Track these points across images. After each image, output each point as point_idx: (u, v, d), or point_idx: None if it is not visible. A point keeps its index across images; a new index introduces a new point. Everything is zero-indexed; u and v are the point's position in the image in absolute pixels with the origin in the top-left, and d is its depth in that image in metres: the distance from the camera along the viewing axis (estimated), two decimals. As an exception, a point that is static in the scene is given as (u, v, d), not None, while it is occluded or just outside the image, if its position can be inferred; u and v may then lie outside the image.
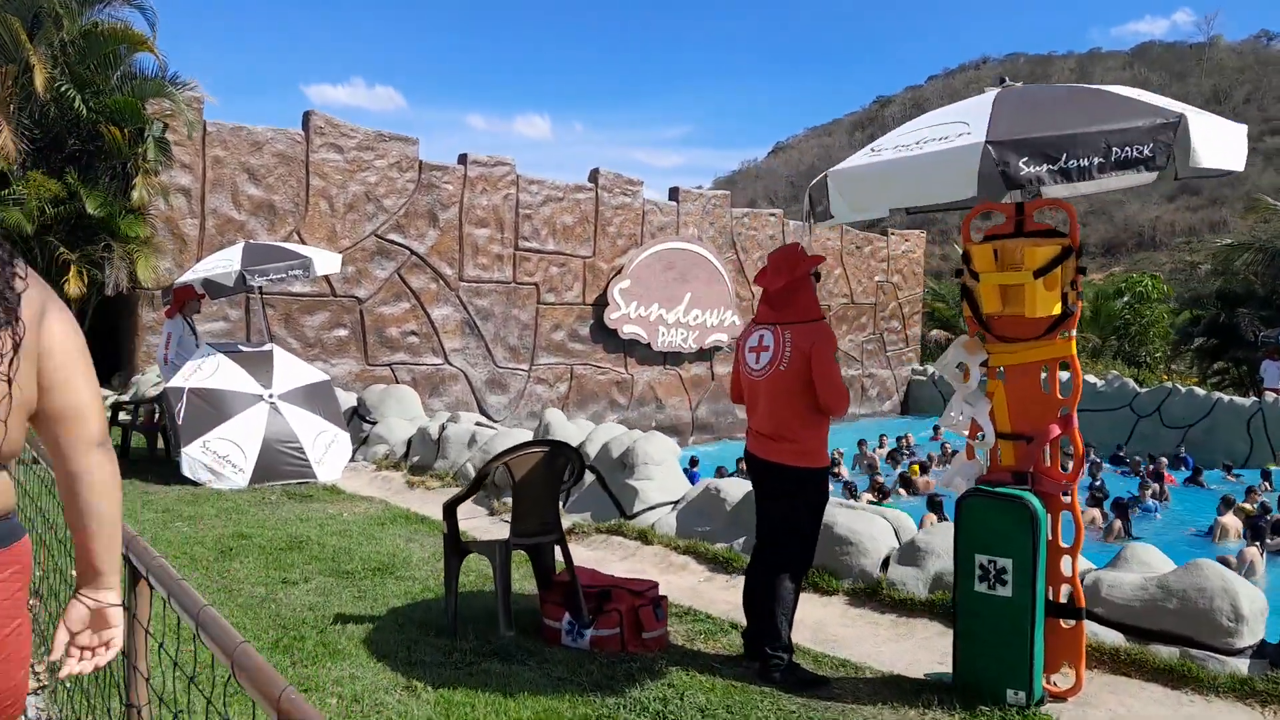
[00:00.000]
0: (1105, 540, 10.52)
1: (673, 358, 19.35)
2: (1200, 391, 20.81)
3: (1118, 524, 10.96)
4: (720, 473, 13.56)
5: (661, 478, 6.33)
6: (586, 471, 5.85)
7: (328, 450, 8.32)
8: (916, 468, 16.01)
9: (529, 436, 7.77)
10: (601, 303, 18.01)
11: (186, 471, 7.71)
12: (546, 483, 4.41)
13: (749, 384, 4.23)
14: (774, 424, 4.09)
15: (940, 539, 4.79)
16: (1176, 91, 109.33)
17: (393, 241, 15.25)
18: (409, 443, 8.53)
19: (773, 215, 21.26)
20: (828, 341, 4.05)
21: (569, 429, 6.96)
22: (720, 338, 19.76)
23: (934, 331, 27.95)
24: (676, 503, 6.20)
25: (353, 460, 8.71)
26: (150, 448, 9.08)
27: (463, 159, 16.26)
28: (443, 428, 8.18)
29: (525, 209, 16.90)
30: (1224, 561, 8.04)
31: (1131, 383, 21.70)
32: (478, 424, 8.23)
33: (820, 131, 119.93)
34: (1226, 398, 20.23)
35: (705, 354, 19.81)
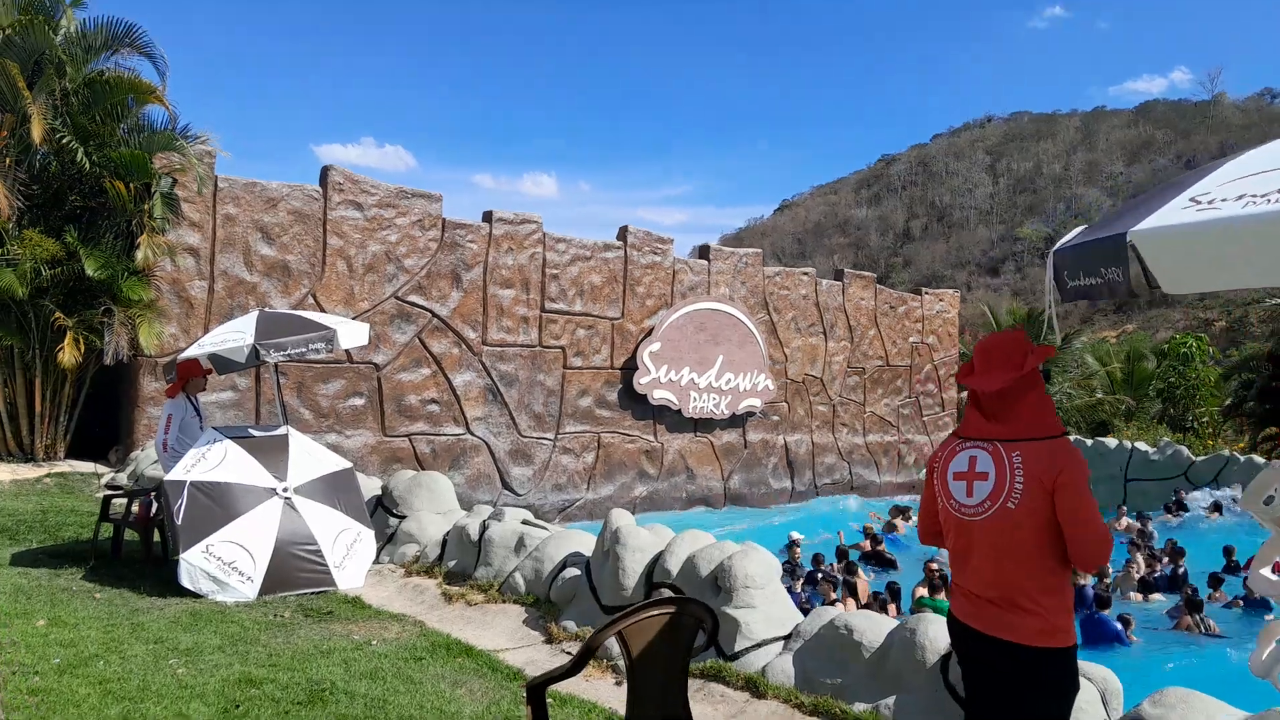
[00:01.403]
0: None
1: (704, 425, 18.24)
2: (1260, 459, 19.65)
3: None
4: (818, 561, 12.15)
5: (765, 605, 5.17)
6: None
7: (349, 551, 7.18)
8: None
9: (587, 539, 6.63)
10: (630, 366, 16.96)
11: (186, 581, 6.56)
12: (672, 656, 3.28)
13: (955, 525, 3.11)
14: (1000, 586, 2.96)
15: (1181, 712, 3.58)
16: (1183, 148, 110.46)
17: (413, 304, 14.25)
18: (444, 543, 7.37)
19: (805, 274, 20.29)
20: (1080, 467, 2.93)
21: (641, 536, 5.82)
22: (753, 402, 18.68)
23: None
24: (788, 638, 5.04)
25: (377, 561, 7.56)
26: (145, 544, 7.95)
27: (488, 216, 15.33)
28: (484, 526, 7.03)
29: (552, 268, 15.94)
30: None
31: (1186, 450, 20.56)
32: (524, 522, 7.08)
33: (826, 190, 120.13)
34: (1291, 467, 19.01)
35: (738, 420, 18.70)
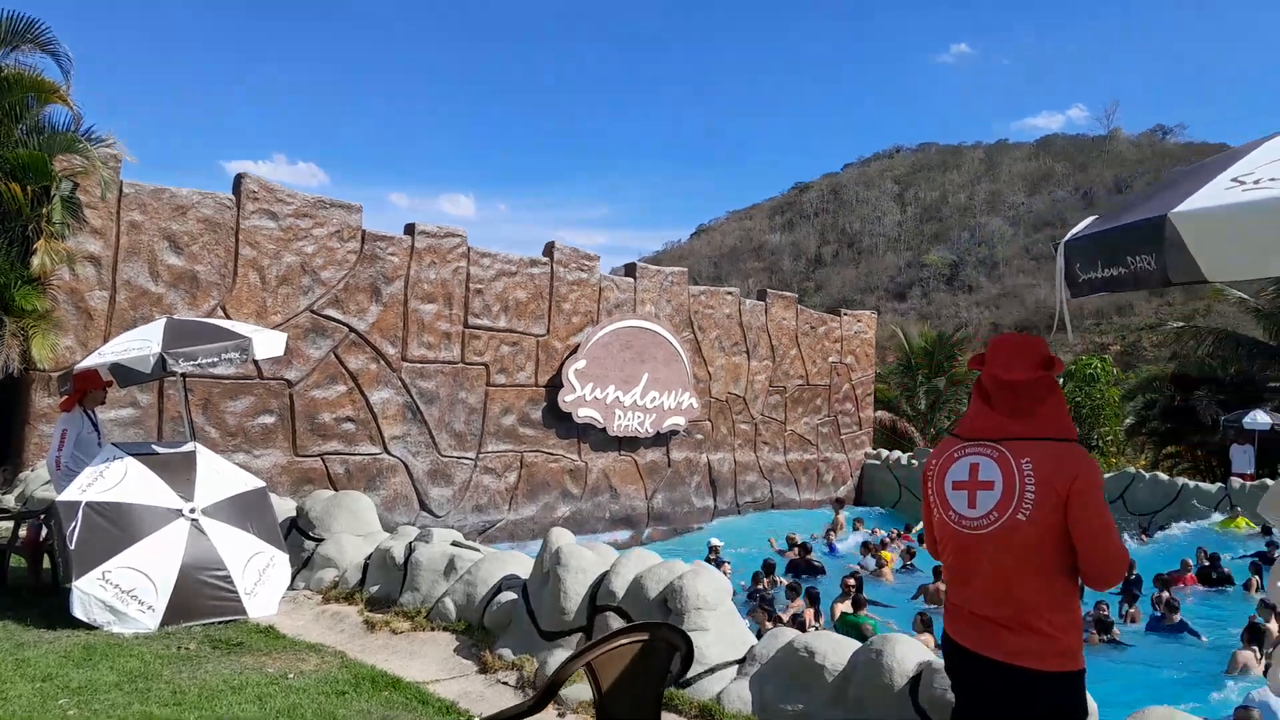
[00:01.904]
0: None
1: (629, 443, 17.97)
2: (1164, 477, 20.34)
3: None
4: (760, 578, 12.02)
5: (718, 627, 4.90)
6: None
7: (261, 577, 6.67)
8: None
9: (524, 561, 6.28)
10: (555, 384, 16.61)
11: (79, 612, 5.97)
12: (645, 686, 2.99)
13: (955, 539, 2.88)
14: (1010, 605, 2.73)
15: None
16: (1080, 181, 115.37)
17: (330, 317, 13.65)
18: (365, 567, 6.91)
19: (729, 294, 20.28)
20: (1095, 475, 2.72)
21: (584, 556, 5.50)
22: (678, 421, 18.51)
23: (878, 413, 27.28)
24: (742, 662, 4.78)
25: (292, 587, 7.05)
26: (33, 571, 7.28)
27: (410, 229, 14.85)
28: (410, 549, 6.61)
29: (476, 283, 15.52)
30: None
31: (1094, 468, 21.12)
32: (454, 544, 6.67)
33: (741, 215, 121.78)
34: (1192, 483, 19.78)
35: (663, 438, 18.50)
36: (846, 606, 11.14)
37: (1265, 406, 20.18)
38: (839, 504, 20.35)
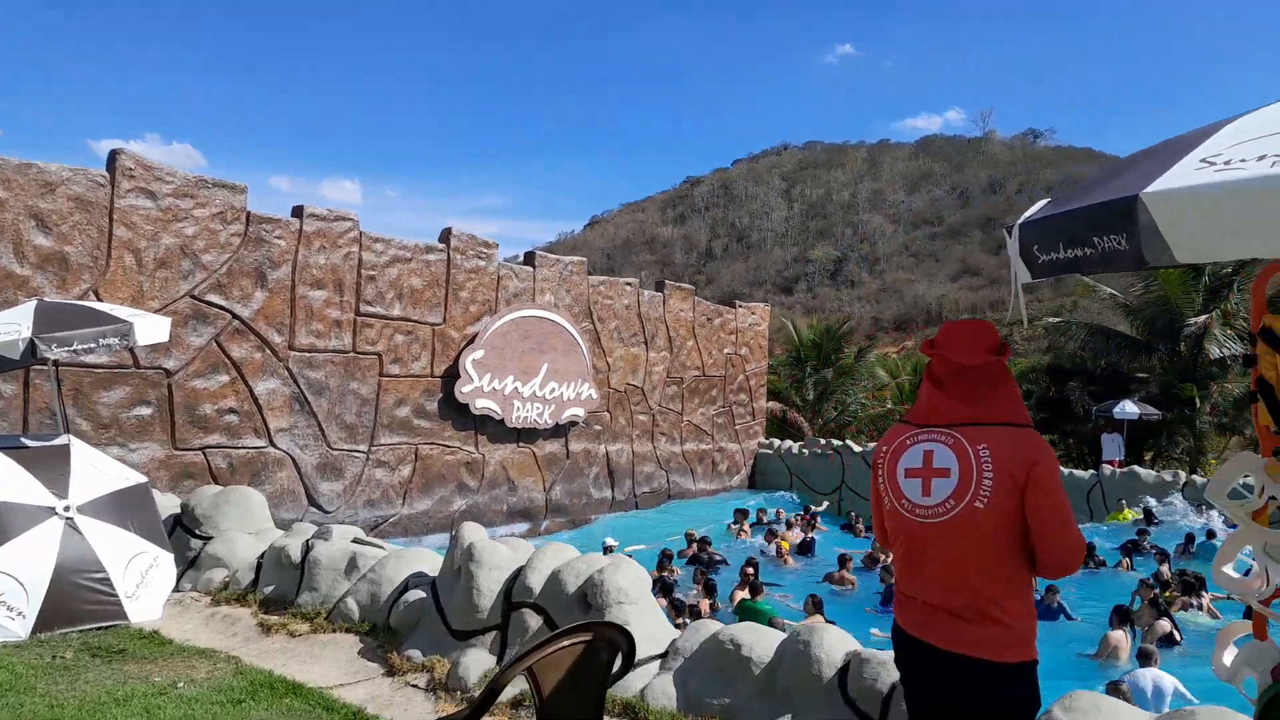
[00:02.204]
0: None
1: (527, 435, 17.72)
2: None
3: None
4: (664, 565, 12.07)
5: (640, 621, 4.79)
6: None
7: (144, 579, 6.23)
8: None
9: (431, 558, 6.03)
10: (452, 374, 16.21)
11: (-64, 622, 5.44)
12: (587, 689, 2.84)
13: (907, 527, 2.81)
14: (965, 594, 2.67)
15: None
16: (957, 181, 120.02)
17: (211, 303, 12.94)
18: (258, 566, 6.53)
19: (629, 284, 20.21)
20: (1053, 461, 2.69)
21: (498, 552, 5.30)
22: (577, 412, 18.36)
23: (769, 403, 27.76)
24: (664, 656, 4.68)
25: (177, 589, 6.62)
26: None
27: (298, 211, 14.21)
28: (308, 546, 6.27)
29: (369, 269, 14.98)
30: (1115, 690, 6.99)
31: (975, 457, 21.95)
32: (355, 541, 6.37)
33: (634, 208, 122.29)
34: (1066, 470, 20.70)
35: (561, 430, 18.32)
36: (746, 594, 11.25)
37: (1133, 397, 21.34)
38: (742, 515, 20.38)
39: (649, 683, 4.51)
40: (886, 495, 2.90)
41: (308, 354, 14.15)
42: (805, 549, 15.61)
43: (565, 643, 2.73)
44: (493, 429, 17.05)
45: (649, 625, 4.82)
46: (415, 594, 5.60)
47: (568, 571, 5.03)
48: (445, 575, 5.53)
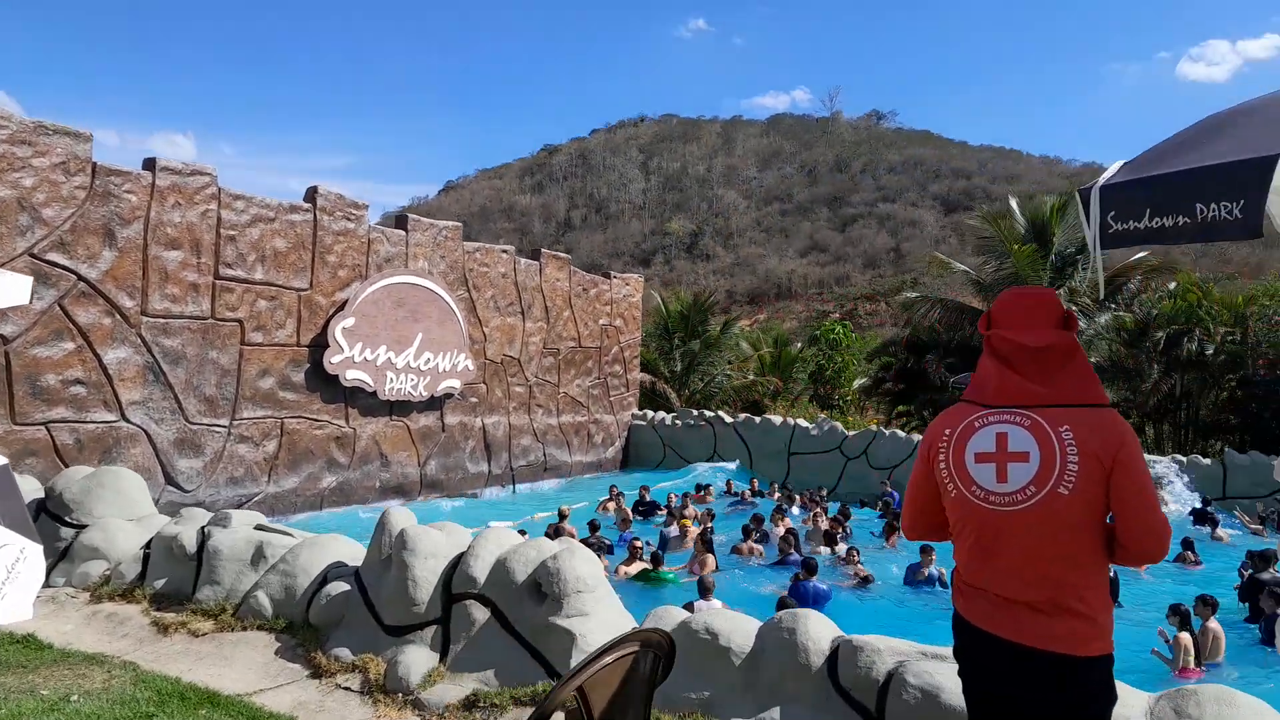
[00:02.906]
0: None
1: (400, 407, 16.97)
2: (902, 434, 22.06)
3: None
4: (557, 532, 11.79)
5: (599, 611, 4.49)
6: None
7: (10, 574, 5.44)
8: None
9: (349, 547, 5.52)
10: (320, 344, 15.28)
11: None
12: (636, 702, 2.52)
13: (978, 518, 2.59)
14: (1046, 587, 2.49)
15: None
16: (805, 159, 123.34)
17: (54, 263, 11.65)
18: (145, 557, 5.83)
19: (505, 252, 19.62)
20: (1137, 443, 2.52)
21: (433, 539, 4.86)
22: (453, 383, 17.71)
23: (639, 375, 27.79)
24: (627, 648, 4.40)
25: (48, 584, 5.85)
26: None
27: (150, 164, 12.97)
28: (205, 535, 5.63)
29: (229, 229, 13.87)
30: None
31: (840, 427, 22.59)
32: (260, 528, 5.76)
33: (491, 174, 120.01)
34: (924, 441, 21.54)
35: (436, 402, 17.64)
36: (632, 568, 11.12)
37: (986, 370, 22.41)
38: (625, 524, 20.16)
39: (617, 677, 4.23)
40: (950, 482, 2.67)
41: (162, 320, 13.00)
42: (830, 540, 14.38)
43: (614, 656, 2.42)
44: (364, 401, 16.24)
45: (609, 615, 4.52)
46: (337, 586, 5.09)
47: (515, 559, 4.66)
48: (371, 565, 5.06)
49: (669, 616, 4.42)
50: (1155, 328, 22.57)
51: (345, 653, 4.76)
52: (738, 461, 22.58)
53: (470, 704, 4.18)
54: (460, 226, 18.54)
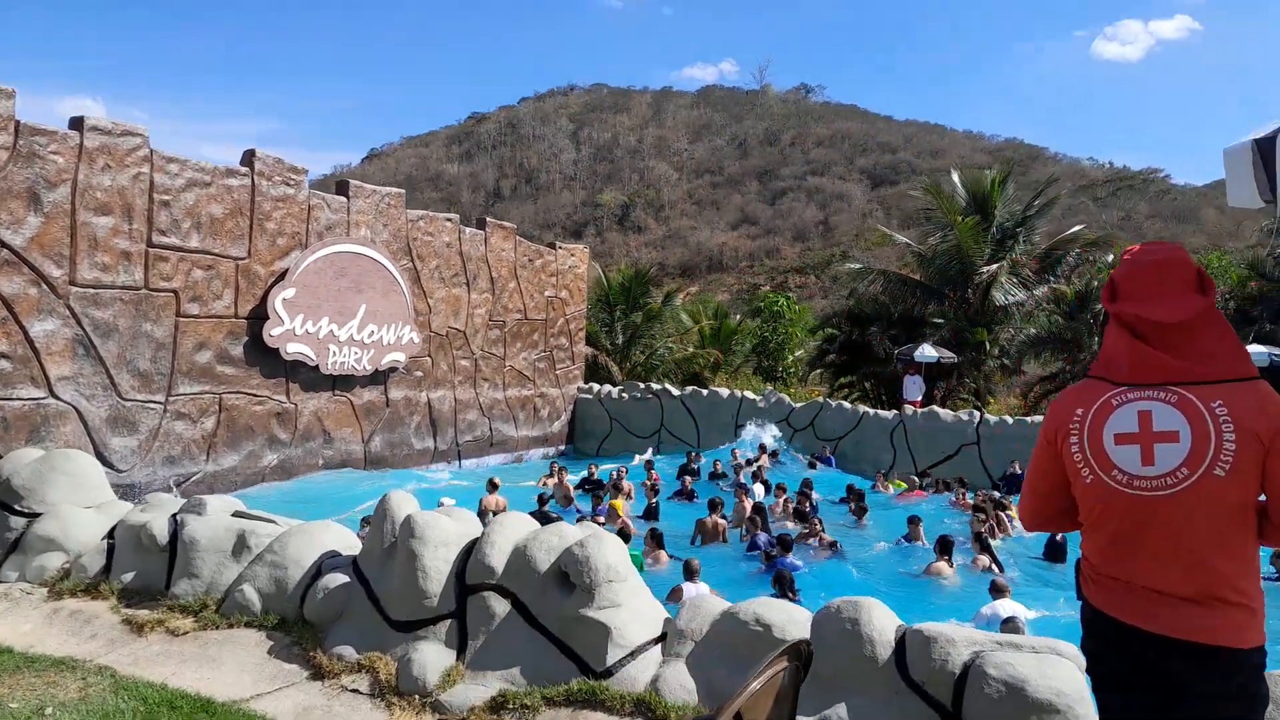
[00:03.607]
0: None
1: (343, 382, 16.33)
2: (847, 406, 22.16)
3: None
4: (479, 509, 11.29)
5: (632, 601, 4.18)
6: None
7: (-46, 572, 4.90)
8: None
9: (342, 535, 5.10)
10: (260, 315, 14.55)
11: None
12: (784, 713, 2.23)
13: (1120, 504, 2.36)
14: (1199, 576, 2.28)
15: None
16: (736, 132, 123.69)
17: (-28, 227, 10.77)
18: (110, 549, 5.31)
19: (449, 220, 19.00)
20: None
21: (443, 526, 4.47)
22: (397, 357, 17.11)
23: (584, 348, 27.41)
24: (662, 639, 4.10)
25: (-4, 581, 5.30)
26: None
27: (77, 124, 12.08)
28: (179, 523, 5.15)
29: (162, 194, 13.05)
30: None
31: (787, 398, 22.59)
32: (239, 515, 5.29)
33: (417, 142, 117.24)
34: (872, 411, 21.70)
35: (380, 377, 17.04)
36: (596, 522, 10.83)
37: (930, 340, 22.63)
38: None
39: (658, 672, 3.93)
40: (1085, 466, 2.43)
41: (92, 290, 12.18)
42: (801, 516, 13.98)
43: (772, 671, 2.13)
44: (306, 376, 15.56)
45: (642, 606, 4.21)
46: (335, 578, 4.67)
47: (537, 546, 4.31)
48: (371, 555, 4.65)
49: (706, 606, 4.14)
50: (1095, 299, 23.06)
51: (349, 651, 4.37)
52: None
53: (498, 706, 3.84)
54: (403, 194, 17.87)
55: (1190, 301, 2.40)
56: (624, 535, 10.41)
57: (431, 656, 4.14)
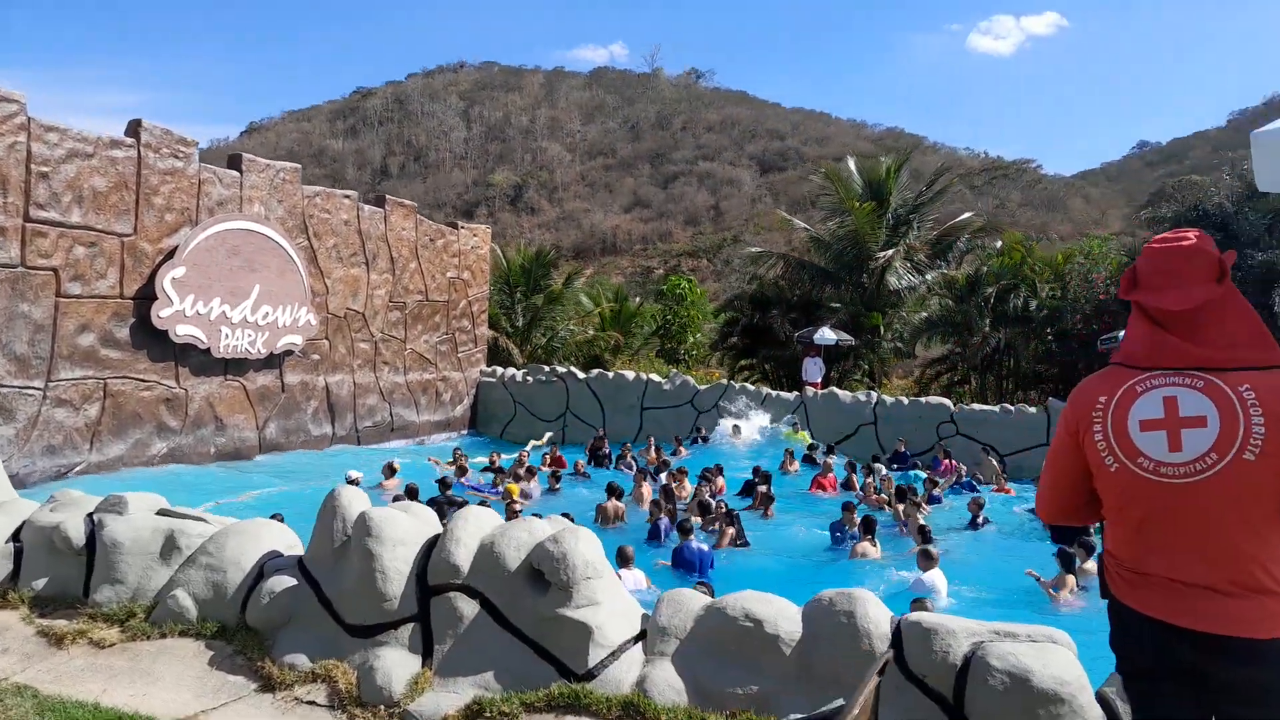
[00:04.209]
0: None
1: (236, 366, 15.54)
2: (751, 387, 22.39)
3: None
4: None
5: (609, 599, 3.99)
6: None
7: None
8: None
9: (282, 534, 4.76)
10: (147, 296, 13.69)
11: None
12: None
13: (1147, 493, 2.33)
14: (1231, 564, 2.26)
15: None
16: (628, 114, 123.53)
17: None
18: (17, 552, 4.81)
19: (347, 197, 18.27)
20: None
21: (400, 524, 4.18)
22: (294, 339, 16.38)
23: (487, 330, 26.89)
24: (641, 637, 3.94)
25: (-121, 592, 4.74)
26: None
27: (-60, 82, 11.03)
28: (97, 523, 4.70)
29: (40, 164, 12.09)
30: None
31: (692, 381, 22.68)
32: (164, 513, 4.86)
33: (299, 116, 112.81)
34: (775, 393, 21.96)
35: (275, 360, 16.29)
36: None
37: (829, 323, 23.07)
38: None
39: (643, 673, 3.76)
40: (1109, 455, 2.39)
41: (-40, 267, 11.18)
42: (705, 509, 13.79)
43: (875, 683, 1.99)
44: (196, 360, 14.74)
45: (619, 603, 4.02)
46: (280, 581, 4.32)
47: (505, 542, 4.08)
48: (321, 555, 4.33)
49: (687, 602, 4.01)
50: (985, 284, 23.91)
51: (301, 659, 4.05)
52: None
53: (474, 714, 3.62)
54: (299, 169, 17.08)
55: (1203, 289, 2.39)
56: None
57: (395, 663, 3.87)
